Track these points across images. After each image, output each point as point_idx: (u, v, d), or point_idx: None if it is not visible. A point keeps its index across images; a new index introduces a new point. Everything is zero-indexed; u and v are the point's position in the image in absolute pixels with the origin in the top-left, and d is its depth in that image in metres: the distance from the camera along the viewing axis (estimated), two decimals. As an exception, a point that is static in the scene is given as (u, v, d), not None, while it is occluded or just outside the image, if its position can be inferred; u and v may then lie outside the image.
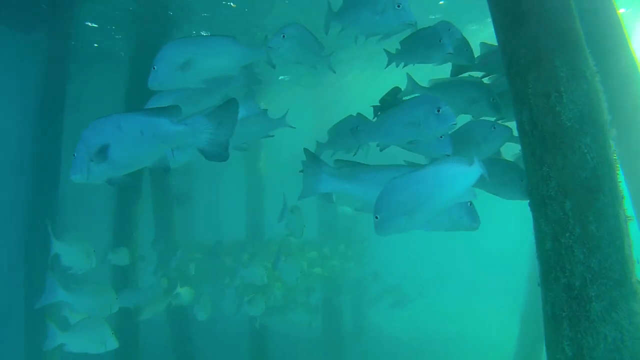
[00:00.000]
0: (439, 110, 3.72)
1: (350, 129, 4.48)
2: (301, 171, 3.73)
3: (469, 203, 3.56)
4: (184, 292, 9.36)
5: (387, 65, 4.93)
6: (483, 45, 4.91)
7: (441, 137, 3.92)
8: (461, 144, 4.12)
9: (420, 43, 4.42)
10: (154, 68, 4.01)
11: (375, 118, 4.45)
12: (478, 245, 38.85)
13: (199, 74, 4.12)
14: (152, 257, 10.78)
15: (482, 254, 36.45)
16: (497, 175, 4.14)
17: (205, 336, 15.18)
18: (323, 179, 3.65)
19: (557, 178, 3.27)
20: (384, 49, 4.97)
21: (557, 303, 3.22)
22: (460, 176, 3.26)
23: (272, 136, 5.24)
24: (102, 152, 3.18)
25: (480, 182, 3.57)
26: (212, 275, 11.87)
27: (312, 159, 3.70)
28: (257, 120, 4.96)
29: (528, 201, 3.56)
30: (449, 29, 4.30)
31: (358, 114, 4.52)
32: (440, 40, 4.25)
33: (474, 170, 3.28)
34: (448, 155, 3.91)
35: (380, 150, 4.27)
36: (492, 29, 3.80)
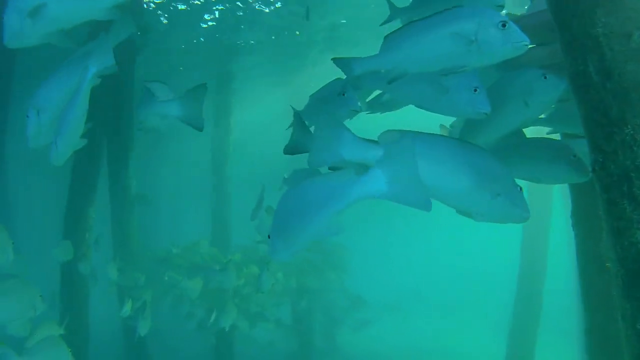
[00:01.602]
0: (504, 25, 2.66)
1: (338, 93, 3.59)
2: (290, 127, 3.08)
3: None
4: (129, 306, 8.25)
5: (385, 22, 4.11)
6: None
7: (475, 89, 2.90)
8: (500, 99, 3.12)
9: None
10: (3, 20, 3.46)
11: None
12: (459, 256, 38.59)
13: (55, 21, 3.55)
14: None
15: (464, 266, 36.01)
16: (538, 153, 3.28)
17: (166, 353, 14.06)
18: (346, 142, 2.68)
19: (649, 142, 2.41)
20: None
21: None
22: (348, 190, 2.65)
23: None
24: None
25: (521, 165, 3.05)
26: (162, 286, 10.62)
27: (329, 117, 2.86)
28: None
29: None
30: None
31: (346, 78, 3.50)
32: None
33: (367, 183, 2.62)
34: (485, 113, 2.91)
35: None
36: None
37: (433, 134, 2.87)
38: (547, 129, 3.84)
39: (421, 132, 2.75)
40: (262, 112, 18.62)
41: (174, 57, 14.18)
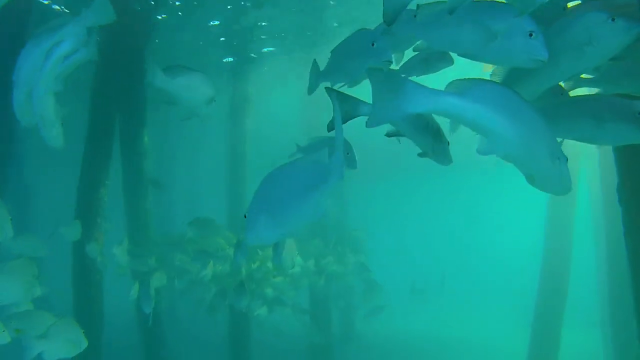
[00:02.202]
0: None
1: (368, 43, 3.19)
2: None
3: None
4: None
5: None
6: None
7: (530, 34, 2.53)
8: (555, 45, 2.69)
9: None
10: None
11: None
12: (480, 244, 38.10)
13: None
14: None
15: (486, 254, 35.57)
16: (597, 111, 2.92)
17: (182, 339, 13.94)
18: (411, 93, 2.39)
19: None
20: None
21: None
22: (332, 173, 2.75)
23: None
24: None
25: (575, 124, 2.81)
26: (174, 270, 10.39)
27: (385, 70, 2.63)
28: None
29: None
30: None
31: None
32: None
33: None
34: (542, 61, 2.56)
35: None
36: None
37: (503, 85, 2.64)
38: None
39: (491, 82, 2.56)
40: (279, 95, 18.27)
41: (188, 40, 13.90)
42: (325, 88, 3.12)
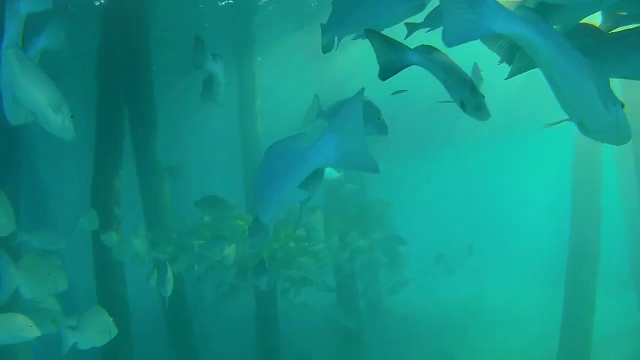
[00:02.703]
0: None
1: None
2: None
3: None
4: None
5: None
6: None
7: None
8: None
9: None
10: None
11: None
12: (508, 211, 37.59)
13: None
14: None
15: (513, 221, 35.11)
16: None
17: (207, 323, 13.93)
18: (493, 9, 2.15)
19: None
20: None
21: None
22: (305, 159, 2.71)
23: None
24: None
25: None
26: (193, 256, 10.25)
27: None
28: None
29: None
30: None
31: None
32: None
33: (319, 152, 2.66)
34: None
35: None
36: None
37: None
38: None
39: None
40: (288, 74, 17.91)
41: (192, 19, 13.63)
42: (366, 30, 2.89)
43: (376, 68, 2.88)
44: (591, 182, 10.94)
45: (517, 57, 3.13)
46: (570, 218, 11.04)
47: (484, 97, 2.98)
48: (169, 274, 6.95)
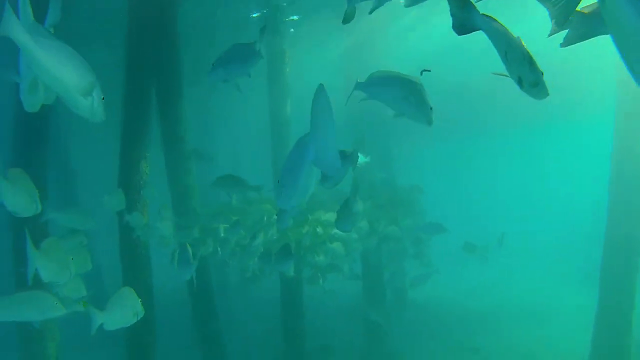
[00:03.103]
0: None
1: None
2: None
3: None
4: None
5: None
6: None
7: None
8: None
9: None
10: None
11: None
12: (542, 199, 36.68)
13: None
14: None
15: (547, 210, 34.26)
16: None
17: (232, 307, 13.88)
18: None
19: None
20: None
21: None
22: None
23: None
24: None
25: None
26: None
27: None
28: None
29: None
30: None
31: None
32: None
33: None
34: None
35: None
36: None
37: None
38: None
39: None
40: (318, 58, 17.63)
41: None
42: None
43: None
44: (631, 174, 10.45)
45: (574, 23, 3.08)
46: (607, 210, 10.58)
47: (542, 74, 2.91)
48: (190, 257, 6.78)
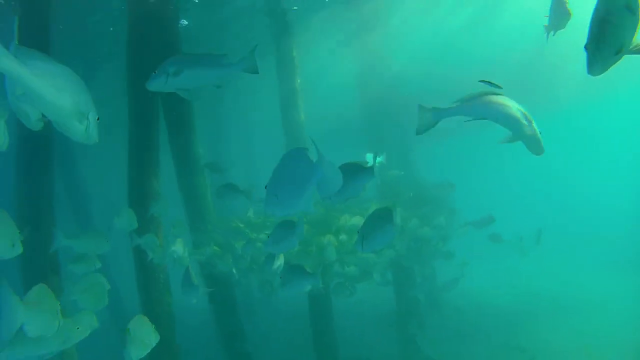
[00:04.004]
0: None
1: None
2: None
3: None
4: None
5: None
6: None
7: None
8: None
9: None
10: None
11: None
12: (582, 192, 35.53)
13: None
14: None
15: (588, 204, 33.19)
16: None
17: (258, 322, 13.33)
18: None
19: None
20: None
21: None
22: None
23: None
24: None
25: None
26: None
27: None
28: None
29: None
30: None
31: None
32: None
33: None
34: None
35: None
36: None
37: None
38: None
39: None
40: (326, 55, 17.06)
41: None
42: None
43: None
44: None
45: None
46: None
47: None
48: (194, 279, 6.33)
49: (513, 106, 4.59)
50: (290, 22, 13.27)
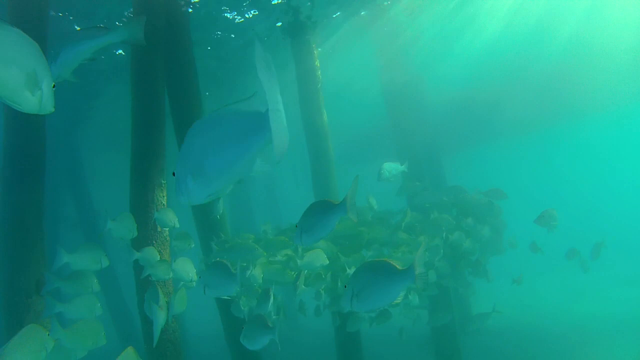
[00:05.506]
0: None
1: None
2: None
3: None
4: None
5: None
6: None
7: None
8: None
9: None
10: None
11: None
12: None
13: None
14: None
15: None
16: None
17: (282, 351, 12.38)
18: None
19: None
20: None
21: None
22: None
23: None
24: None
25: None
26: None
27: None
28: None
29: None
30: None
31: None
32: None
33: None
34: None
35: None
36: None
37: None
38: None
39: None
40: (347, 59, 16.40)
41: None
42: None
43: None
44: None
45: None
46: None
47: None
48: (162, 299, 5.78)
49: None
50: (311, 33, 12.53)
